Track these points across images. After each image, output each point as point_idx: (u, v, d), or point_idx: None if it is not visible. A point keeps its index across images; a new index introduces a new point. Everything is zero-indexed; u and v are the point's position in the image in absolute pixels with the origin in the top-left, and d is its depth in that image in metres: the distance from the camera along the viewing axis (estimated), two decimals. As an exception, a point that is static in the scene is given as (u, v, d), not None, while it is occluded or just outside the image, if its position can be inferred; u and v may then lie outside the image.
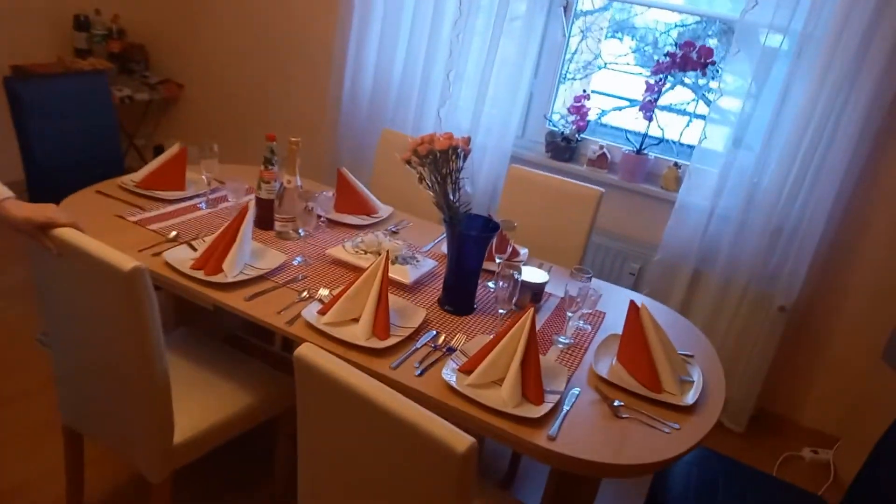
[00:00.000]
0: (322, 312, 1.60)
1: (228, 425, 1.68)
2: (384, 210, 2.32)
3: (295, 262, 1.86)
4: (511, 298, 1.61)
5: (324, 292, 1.70)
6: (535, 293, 1.80)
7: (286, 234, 1.99)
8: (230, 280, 1.69)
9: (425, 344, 1.59)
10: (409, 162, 1.65)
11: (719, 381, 1.65)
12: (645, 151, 2.77)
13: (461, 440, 0.97)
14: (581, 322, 1.80)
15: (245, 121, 3.67)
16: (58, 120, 2.33)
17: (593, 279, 2.00)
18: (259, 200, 2.02)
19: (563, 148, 2.91)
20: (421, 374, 1.47)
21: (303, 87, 3.45)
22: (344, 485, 1.21)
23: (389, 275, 1.80)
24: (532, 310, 1.48)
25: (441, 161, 1.63)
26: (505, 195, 2.47)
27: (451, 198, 1.66)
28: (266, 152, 1.97)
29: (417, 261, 1.90)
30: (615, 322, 1.83)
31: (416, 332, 1.62)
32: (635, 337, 1.59)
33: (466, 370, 1.48)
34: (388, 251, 1.71)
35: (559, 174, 2.54)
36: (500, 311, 1.64)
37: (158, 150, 4.07)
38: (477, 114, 2.88)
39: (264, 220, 2.03)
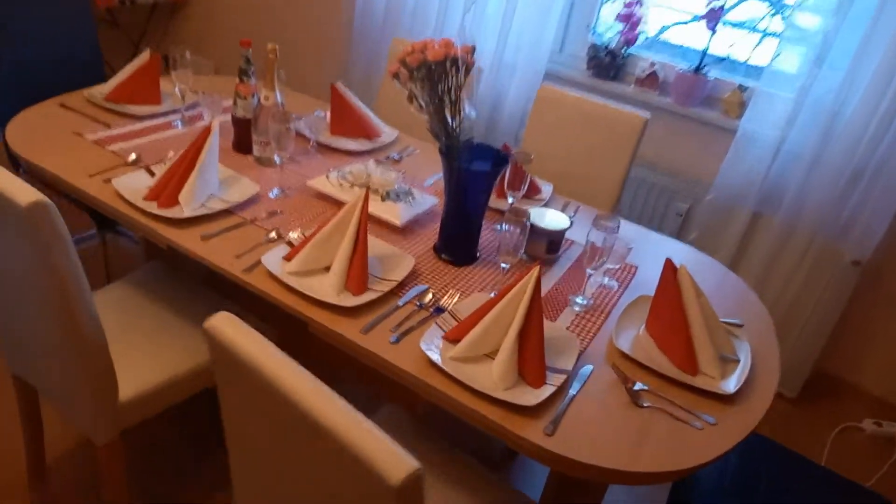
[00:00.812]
0: (288, 258, 1.33)
1: (187, 381, 1.46)
2: (388, 134, 2.01)
3: (271, 195, 1.59)
4: (517, 250, 1.31)
5: (293, 235, 1.42)
6: (552, 241, 1.49)
7: (266, 160, 1.71)
8: (187, 215, 1.43)
9: (410, 301, 1.31)
10: (397, 76, 1.32)
11: (772, 359, 1.33)
12: (704, 70, 2.35)
13: (397, 467, 0.70)
14: (606, 279, 1.49)
15: (260, 27, 3.33)
16: (29, 20, 2.06)
17: (625, 224, 1.68)
18: (235, 119, 1.74)
19: (607, 65, 2.50)
20: (397, 341, 1.20)
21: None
22: (273, 489, 0.96)
23: (378, 214, 1.52)
24: (538, 268, 1.17)
25: (437, 75, 1.30)
26: (532, 120, 2.11)
27: (450, 123, 1.34)
28: (241, 62, 1.67)
29: (413, 197, 1.59)
30: (650, 279, 1.52)
31: (401, 286, 1.34)
32: (670, 304, 1.27)
33: (453, 339, 1.20)
34: (368, 187, 1.42)
35: (601, 96, 2.16)
36: (503, 265, 1.34)
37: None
38: (506, 22, 2.48)
39: (243, 142, 1.75)
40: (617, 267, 1.46)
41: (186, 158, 1.47)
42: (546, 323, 1.27)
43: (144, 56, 1.90)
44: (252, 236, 1.43)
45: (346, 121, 1.92)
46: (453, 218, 1.43)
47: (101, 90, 1.90)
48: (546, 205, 1.76)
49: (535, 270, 1.17)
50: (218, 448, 1.84)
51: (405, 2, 2.61)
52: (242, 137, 1.74)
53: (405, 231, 1.53)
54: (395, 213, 1.52)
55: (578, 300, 1.39)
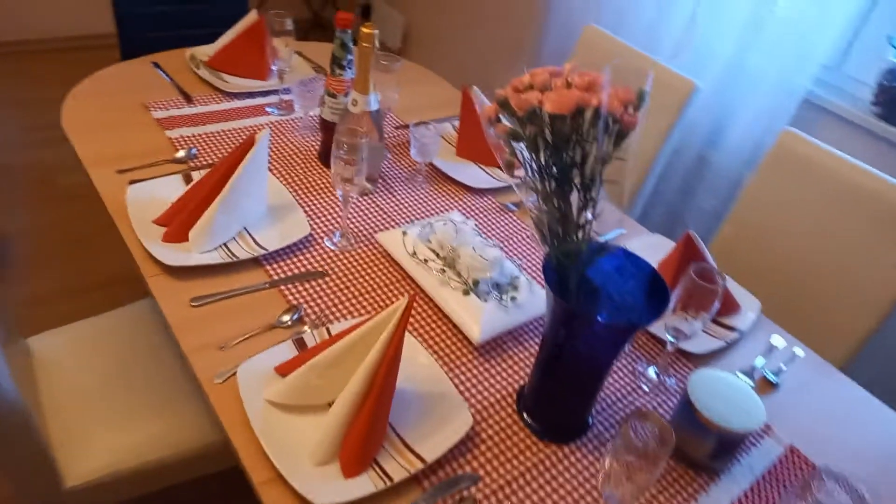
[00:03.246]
0: (281, 372, 0.87)
1: (178, 465, 1.09)
2: (536, 165, 1.43)
3: (328, 243, 1.13)
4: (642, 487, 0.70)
5: (307, 330, 0.94)
6: (724, 443, 0.84)
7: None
8: (193, 262, 1.02)
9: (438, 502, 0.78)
10: (492, 122, 0.75)
11: None
12: None
13: None
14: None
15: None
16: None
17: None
18: (323, 123, 1.29)
19: (907, 101, 1.64)
20: None
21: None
22: None
23: (452, 317, 0.99)
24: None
25: (559, 136, 0.72)
26: (761, 178, 1.40)
27: (573, 219, 0.75)
28: (334, 48, 1.20)
29: (517, 294, 1.02)
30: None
31: (433, 470, 0.81)
32: None
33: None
34: (444, 269, 0.88)
35: (888, 148, 1.38)
36: (606, 493, 0.74)
37: (366, 11, 3.48)
38: (760, 15, 1.72)
39: (328, 154, 1.30)
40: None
41: (213, 178, 1.06)
42: None
43: (251, 16, 1.51)
44: (266, 311, 0.98)
45: (476, 140, 1.38)
46: (552, 371, 0.85)
47: (206, 51, 1.57)
48: (739, 340, 1.09)
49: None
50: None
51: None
52: (329, 147, 1.29)
53: (486, 350, 0.99)
54: (475, 319, 0.97)
55: None
